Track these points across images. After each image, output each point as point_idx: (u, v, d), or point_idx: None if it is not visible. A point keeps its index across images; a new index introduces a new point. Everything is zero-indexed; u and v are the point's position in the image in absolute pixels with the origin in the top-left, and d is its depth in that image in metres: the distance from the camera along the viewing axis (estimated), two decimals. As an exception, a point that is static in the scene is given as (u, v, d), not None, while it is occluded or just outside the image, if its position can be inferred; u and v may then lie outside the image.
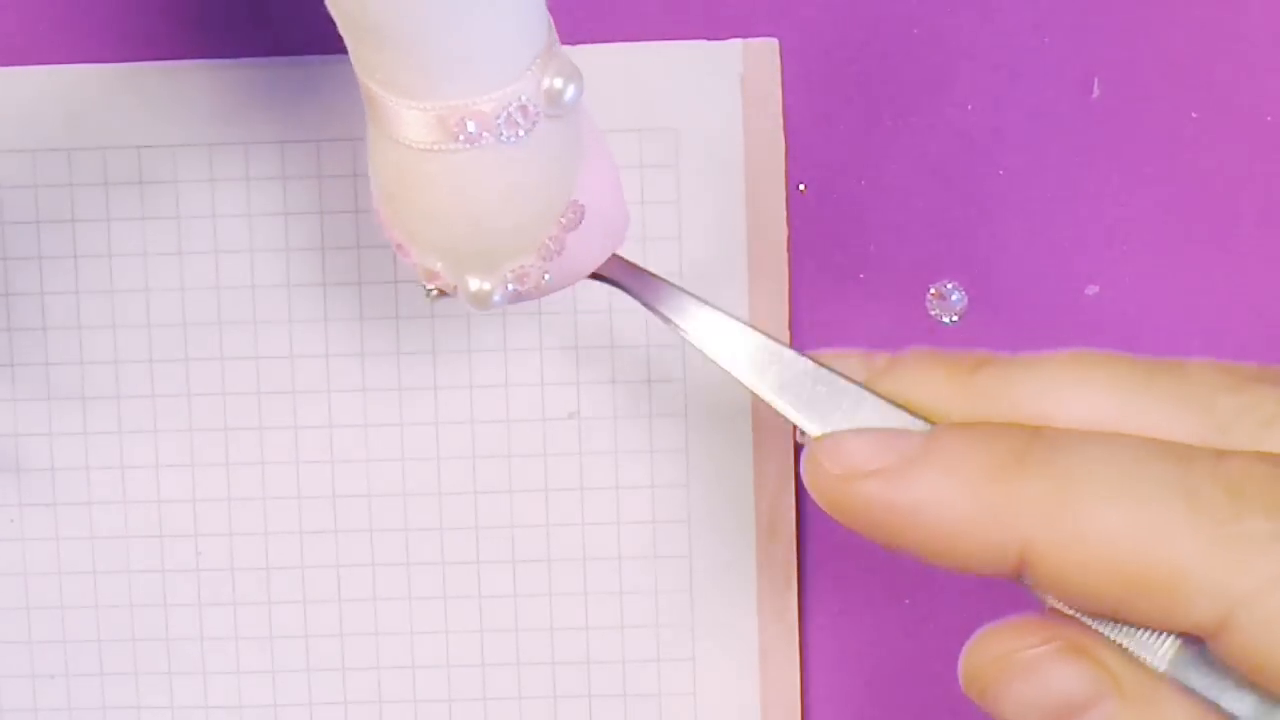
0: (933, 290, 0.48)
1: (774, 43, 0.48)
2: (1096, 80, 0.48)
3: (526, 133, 0.34)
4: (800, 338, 0.48)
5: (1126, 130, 0.48)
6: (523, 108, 0.34)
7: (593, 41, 0.48)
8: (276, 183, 0.48)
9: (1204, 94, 0.48)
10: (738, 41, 0.48)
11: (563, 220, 0.36)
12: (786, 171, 0.48)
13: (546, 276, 0.37)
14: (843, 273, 0.48)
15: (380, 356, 0.48)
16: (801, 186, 0.48)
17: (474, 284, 0.36)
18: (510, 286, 0.36)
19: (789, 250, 0.48)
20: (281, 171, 0.48)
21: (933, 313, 0.48)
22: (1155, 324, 0.48)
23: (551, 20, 0.34)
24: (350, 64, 0.34)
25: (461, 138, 0.34)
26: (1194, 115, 0.48)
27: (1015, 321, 0.48)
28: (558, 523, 0.48)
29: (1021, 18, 0.48)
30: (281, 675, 0.49)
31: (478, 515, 0.48)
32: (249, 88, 0.48)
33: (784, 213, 0.48)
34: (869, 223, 0.48)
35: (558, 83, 0.34)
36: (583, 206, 0.36)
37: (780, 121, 0.48)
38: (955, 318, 0.48)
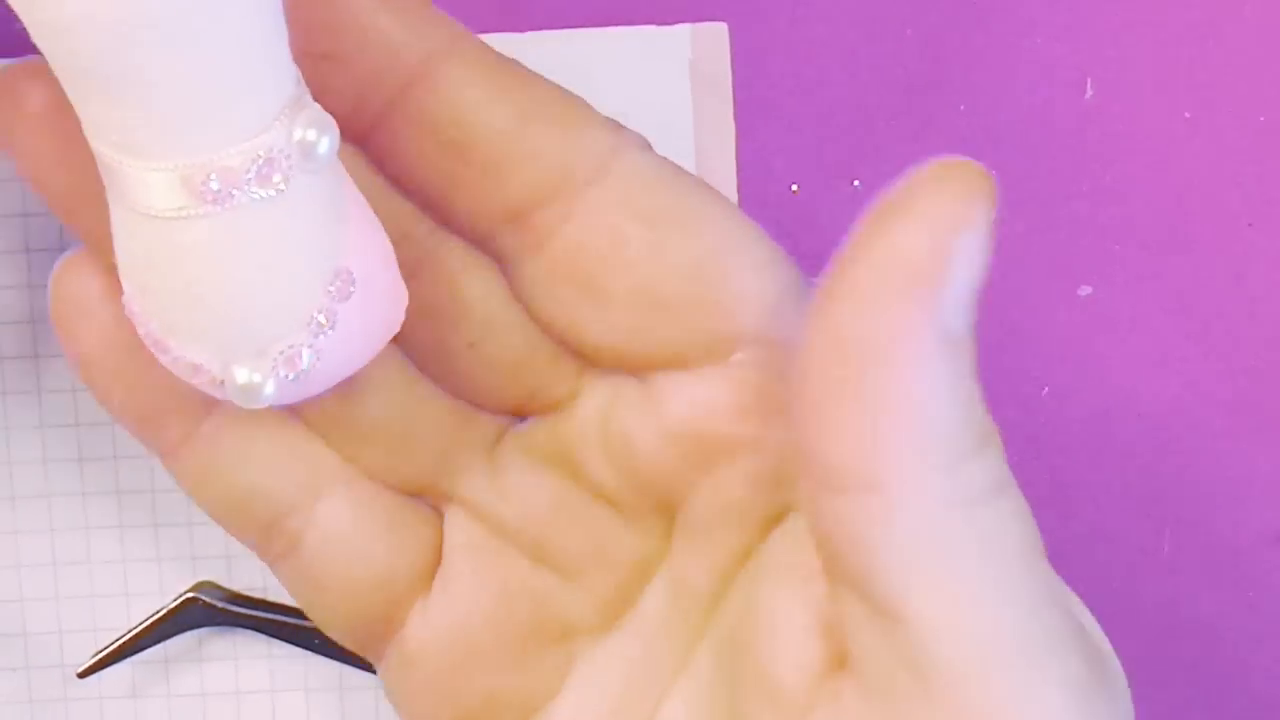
0: (926, 291, 0.48)
1: (723, 27, 0.48)
2: (1090, 80, 0.48)
3: (279, 191, 0.31)
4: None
5: (1120, 130, 0.48)
6: (272, 160, 0.30)
7: (535, 29, 0.47)
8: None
9: (1198, 94, 0.48)
10: (686, 26, 0.48)
11: (331, 290, 0.32)
12: (737, 159, 0.48)
13: (317, 359, 0.32)
14: (835, 274, 0.48)
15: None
16: (794, 187, 0.48)
17: (242, 375, 0.32)
18: (282, 373, 0.32)
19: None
20: None
21: (926, 313, 0.48)
22: (1148, 325, 0.48)
23: (299, 71, 0.32)
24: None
25: (209, 198, 0.30)
26: (1187, 116, 0.48)
27: (1007, 321, 0.48)
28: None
29: (1014, 17, 0.48)
30: None
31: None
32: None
33: (735, 197, 0.48)
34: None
35: (310, 134, 0.31)
36: (351, 273, 0.32)
37: (730, 108, 0.48)
38: (948, 318, 0.48)
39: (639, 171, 0.34)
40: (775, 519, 0.34)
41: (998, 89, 0.48)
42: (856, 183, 0.48)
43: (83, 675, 0.48)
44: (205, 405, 0.35)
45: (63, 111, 0.31)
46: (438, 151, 0.33)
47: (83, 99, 0.30)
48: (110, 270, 0.34)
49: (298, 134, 0.31)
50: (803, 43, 0.48)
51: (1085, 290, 0.48)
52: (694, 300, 0.33)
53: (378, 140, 0.34)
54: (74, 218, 0.35)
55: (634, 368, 0.34)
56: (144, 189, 0.30)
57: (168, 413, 0.35)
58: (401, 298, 0.34)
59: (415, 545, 0.37)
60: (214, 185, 0.30)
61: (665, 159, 0.35)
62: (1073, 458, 0.48)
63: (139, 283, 0.32)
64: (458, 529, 0.36)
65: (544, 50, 0.45)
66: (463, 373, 0.36)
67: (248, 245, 0.31)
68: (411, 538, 0.37)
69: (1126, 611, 0.49)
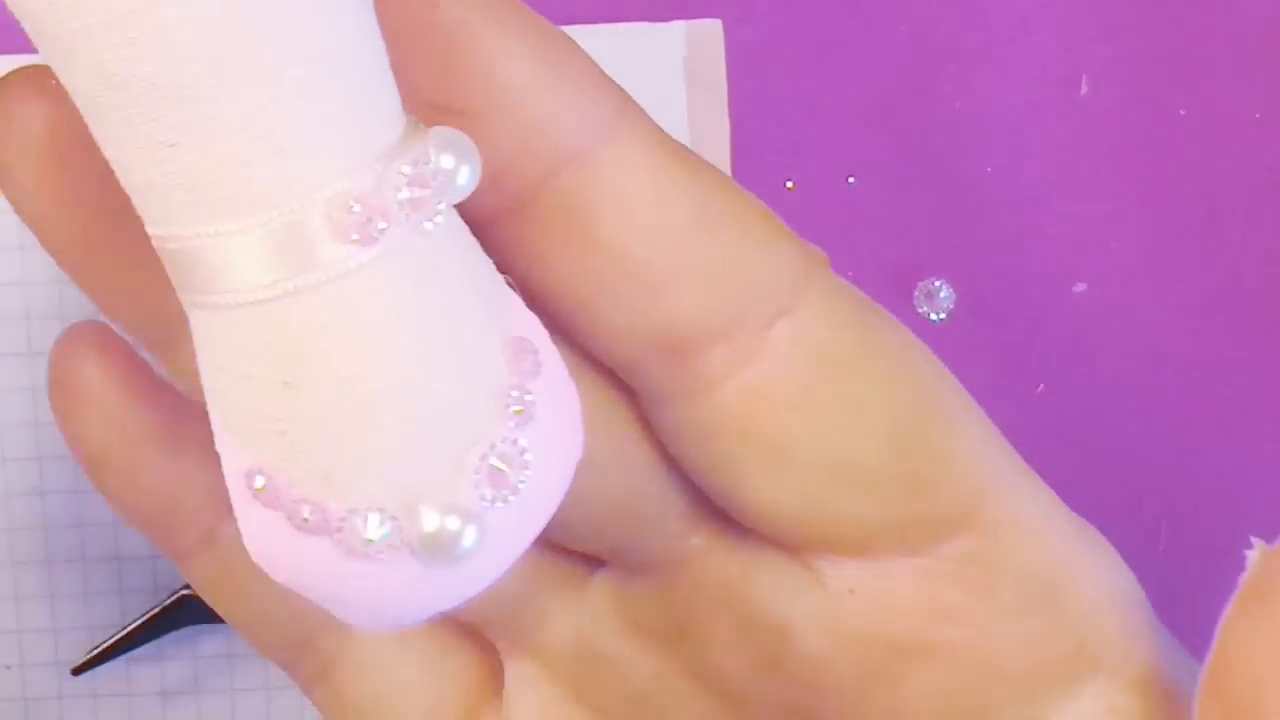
0: (920, 288, 0.48)
1: (718, 24, 0.48)
2: (1084, 77, 0.48)
3: (435, 222, 0.22)
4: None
5: (1115, 127, 0.48)
6: (421, 178, 0.21)
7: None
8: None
9: (1192, 91, 0.48)
10: (680, 23, 0.48)
11: (519, 362, 0.23)
12: (731, 155, 0.48)
13: (528, 457, 0.22)
14: (831, 269, 0.48)
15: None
16: (789, 184, 0.48)
17: (430, 518, 0.22)
18: (488, 494, 0.22)
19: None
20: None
21: (920, 310, 0.48)
22: (1143, 321, 0.48)
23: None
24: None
25: (354, 233, 0.21)
26: (1182, 112, 0.48)
27: (1003, 319, 0.48)
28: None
29: (1009, 14, 0.48)
30: None
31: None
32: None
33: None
34: (856, 220, 0.48)
35: (447, 160, 0.22)
36: (530, 342, 0.23)
37: (725, 104, 0.48)
38: (943, 315, 0.48)
39: (832, 304, 0.26)
40: None
41: (992, 86, 0.48)
42: (851, 179, 0.48)
43: (77, 672, 0.48)
44: (226, 504, 0.25)
45: (73, 135, 0.23)
46: (585, 253, 0.25)
47: (124, 138, 0.21)
48: (119, 345, 0.28)
49: (432, 158, 0.22)
50: (797, 40, 0.48)
51: (1080, 287, 0.48)
52: (898, 475, 0.26)
53: (507, 228, 0.25)
54: (90, 278, 0.26)
55: (798, 543, 0.27)
56: (250, 258, 0.21)
57: (185, 514, 0.29)
58: (579, 414, 0.24)
59: (465, 681, 0.31)
60: (355, 218, 0.21)
61: (853, 288, 0.27)
62: (1068, 454, 0.48)
63: (273, 419, 0.22)
64: (524, 683, 0.30)
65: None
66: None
67: (410, 303, 0.22)
68: (462, 671, 0.31)
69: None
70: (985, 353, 0.48)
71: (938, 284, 0.48)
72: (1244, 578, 0.25)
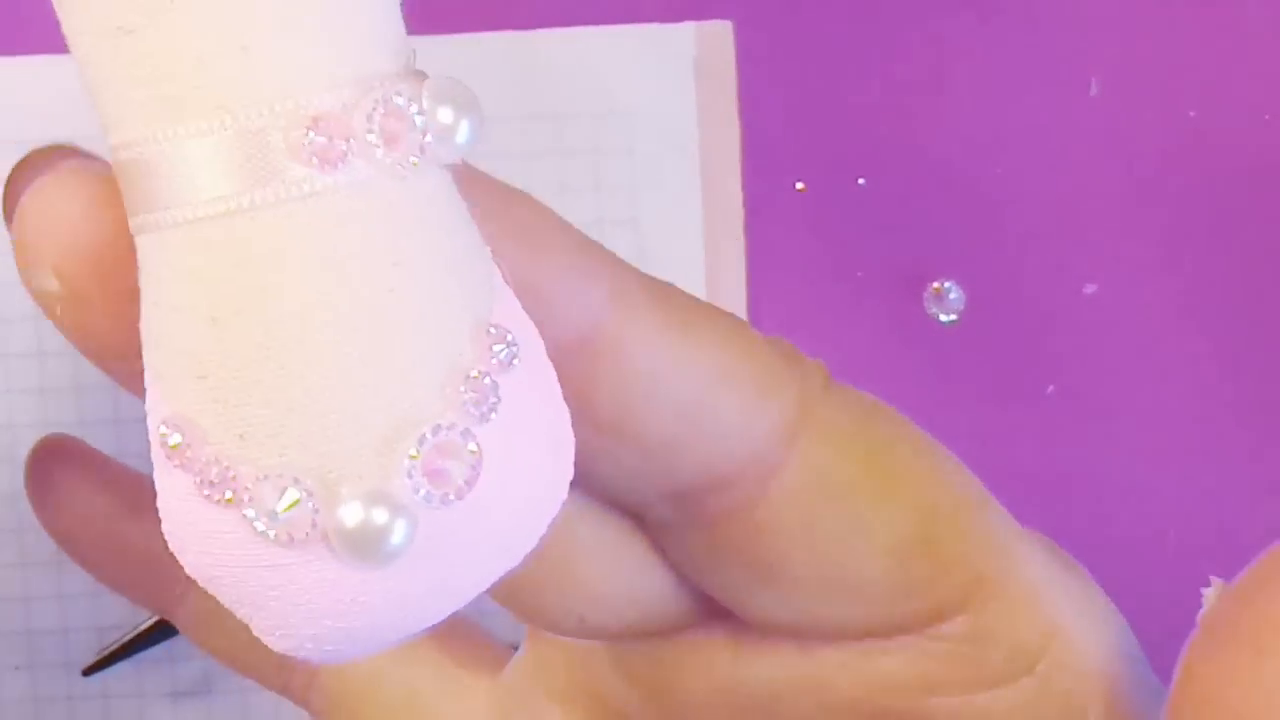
0: (931, 289, 0.48)
1: (728, 25, 0.48)
2: (1094, 79, 0.48)
3: (411, 168, 0.19)
4: (797, 337, 0.48)
5: (1125, 129, 0.48)
6: (397, 113, 0.19)
7: (541, 26, 0.47)
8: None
9: (1202, 93, 0.48)
10: (690, 24, 0.48)
11: (488, 346, 0.20)
12: (742, 155, 0.48)
13: (475, 468, 0.19)
14: (840, 272, 0.48)
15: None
16: (799, 185, 0.48)
17: (351, 507, 0.19)
18: (423, 490, 0.19)
19: (745, 235, 0.48)
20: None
21: (931, 311, 0.48)
22: (1153, 323, 0.48)
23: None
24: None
25: (315, 158, 0.18)
26: (1192, 114, 0.48)
27: (1013, 320, 0.48)
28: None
29: (1019, 15, 0.48)
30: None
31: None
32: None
33: (740, 197, 0.48)
34: (867, 221, 0.48)
35: (445, 113, 0.19)
36: (509, 334, 0.20)
37: (735, 104, 0.48)
38: (953, 317, 0.48)
39: (833, 428, 0.26)
40: None
41: (1002, 88, 0.48)
42: (861, 180, 0.48)
43: (87, 673, 0.48)
44: None
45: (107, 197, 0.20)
46: (586, 429, 0.22)
47: (84, 25, 0.19)
48: (81, 449, 0.30)
49: (428, 106, 0.19)
50: (807, 41, 0.48)
51: (1091, 288, 0.48)
52: (898, 583, 0.26)
53: None
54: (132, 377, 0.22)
55: (802, 638, 0.27)
56: (203, 166, 0.19)
57: (162, 568, 0.24)
58: (569, 427, 0.22)
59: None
60: (319, 140, 0.19)
61: (851, 391, 0.27)
62: (1078, 455, 0.48)
63: (197, 360, 0.19)
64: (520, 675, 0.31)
65: (550, 48, 0.45)
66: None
67: (368, 249, 0.19)
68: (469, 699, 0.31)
69: (1130, 611, 0.49)
70: (995, 354, 0.48)
71: (948, 285, 0.48)
72: (1202, 615, 0.25)
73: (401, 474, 0.19)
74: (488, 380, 0.20)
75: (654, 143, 0.48)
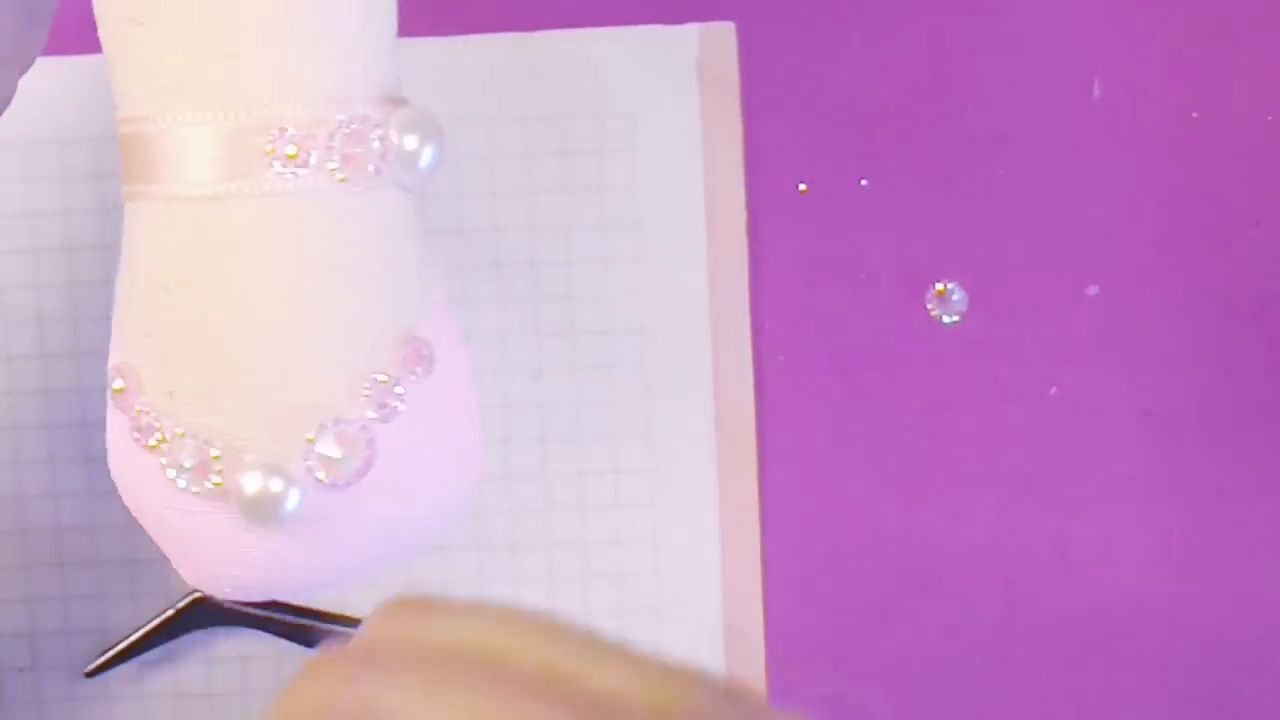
0: (934, 290, 0.48)
1: (731, 26, 0.48)
2: (1097, 81, 0.48)
3: (368, 182, 0.22)
4: (801, 336, 0.48)
5: (1127, 130, 0.48)
6: (362, 134, 0.22)
7: (545, 28, 0.48)
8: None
9: (1204, 94, 0.48)
10: (694, 26, 0.48)
11: (403, 354, 0.22)
12: (745, 156, 0.48)
13: (366, 462, 0.22)
14: (844, 273, 0.48)
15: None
16: (802, 187, 0.48)
17: (251, 480, 0.22)
18: (318, 471, 0.22)
19: (748, 236, 0.48)
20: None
21: (934, 312, 0.48)
22: (1155, 324, 0.48)
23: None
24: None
25: (278, 162, 0.21)
26: (1194, 115, 0.48)
27: (1016, 321, 0.48)
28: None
29: (1021, 18, 0.48)
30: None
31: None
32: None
33: (743, 197, 0.48)
34: (870, 223, 0.48)
35: (410, 141, 0.22)
36: (430, 347, 0.23)
37: (738, 107, 0.48)
38: (956, 317, 0.48)
39: None
40: None
41: (1005, 89, 0.48)
42: (864, 182, 0.48)
43: (90, 674, 0.48)
44: None
45: None
46: None
47: (110, 8, 0.21)
48: None
49: (395, 136, 0.22)
50: (810, 42, 0.48)
51: (1093, 290, 0.48)
52: None
53: None
54: None
55: None
56: (183, 157, 0.21)
57: None
58: (478, 443, 0.24)
59: None
60: (286, 147, 0.21)
61: None
62: (1079, 456, 0.48)
63: (147, 310, 0.22)
64: None
65: (553, 49, 0.45)
66: None
67: (314, 239, 0.22)
68: None
69: (1133, 611, 0.49)
70: (998, 355, 0.48)
71: (950, 286, 0.48)
72: None
73: (299, 454, 0.22)
74: (397, 387, 0.22)
75: (657, 143, 0.48)
